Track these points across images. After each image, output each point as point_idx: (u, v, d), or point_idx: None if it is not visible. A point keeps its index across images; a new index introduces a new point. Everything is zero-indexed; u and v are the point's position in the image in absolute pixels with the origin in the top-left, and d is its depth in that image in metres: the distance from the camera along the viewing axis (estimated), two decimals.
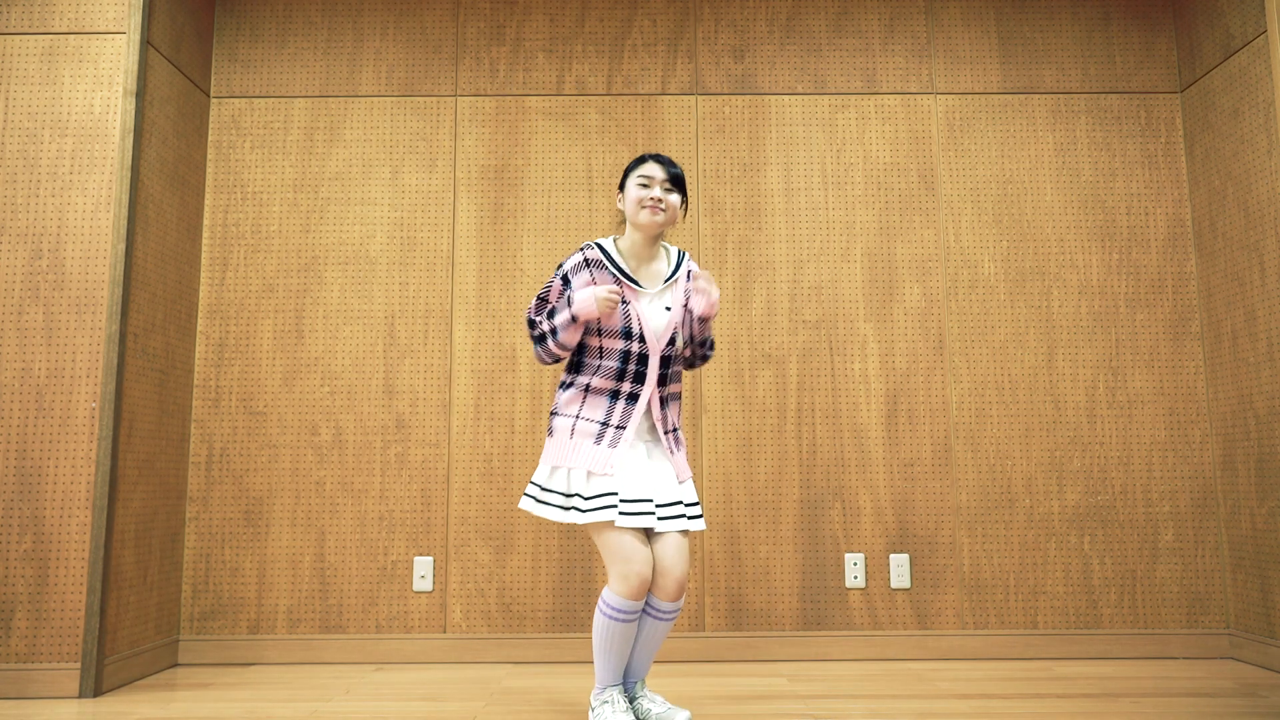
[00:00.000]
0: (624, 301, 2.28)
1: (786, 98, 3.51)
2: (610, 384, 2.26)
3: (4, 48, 3.01)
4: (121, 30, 3.02)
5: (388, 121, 3.50)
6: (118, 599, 2.87)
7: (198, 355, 3.37)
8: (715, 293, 2.29)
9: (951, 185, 3.46)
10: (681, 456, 2.34)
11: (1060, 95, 3.51)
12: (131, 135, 2.97)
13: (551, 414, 2.31)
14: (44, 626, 2.77)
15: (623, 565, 2.16)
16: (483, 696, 2.73)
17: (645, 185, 2.30)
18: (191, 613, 3.24)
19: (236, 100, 3.50)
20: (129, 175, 2.96)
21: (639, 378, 2.27)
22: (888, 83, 3.52)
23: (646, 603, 2.26)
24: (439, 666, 3.16)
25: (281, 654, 3.22)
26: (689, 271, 2.39)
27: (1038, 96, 3.51)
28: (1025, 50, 3.53)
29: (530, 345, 2.34)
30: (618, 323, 2.26)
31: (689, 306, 2.34)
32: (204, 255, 3.42)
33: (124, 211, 2.94)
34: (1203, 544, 3.28)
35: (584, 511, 2.17)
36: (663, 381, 2.31)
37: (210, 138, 3.48)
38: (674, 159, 3.45)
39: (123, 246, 2.92)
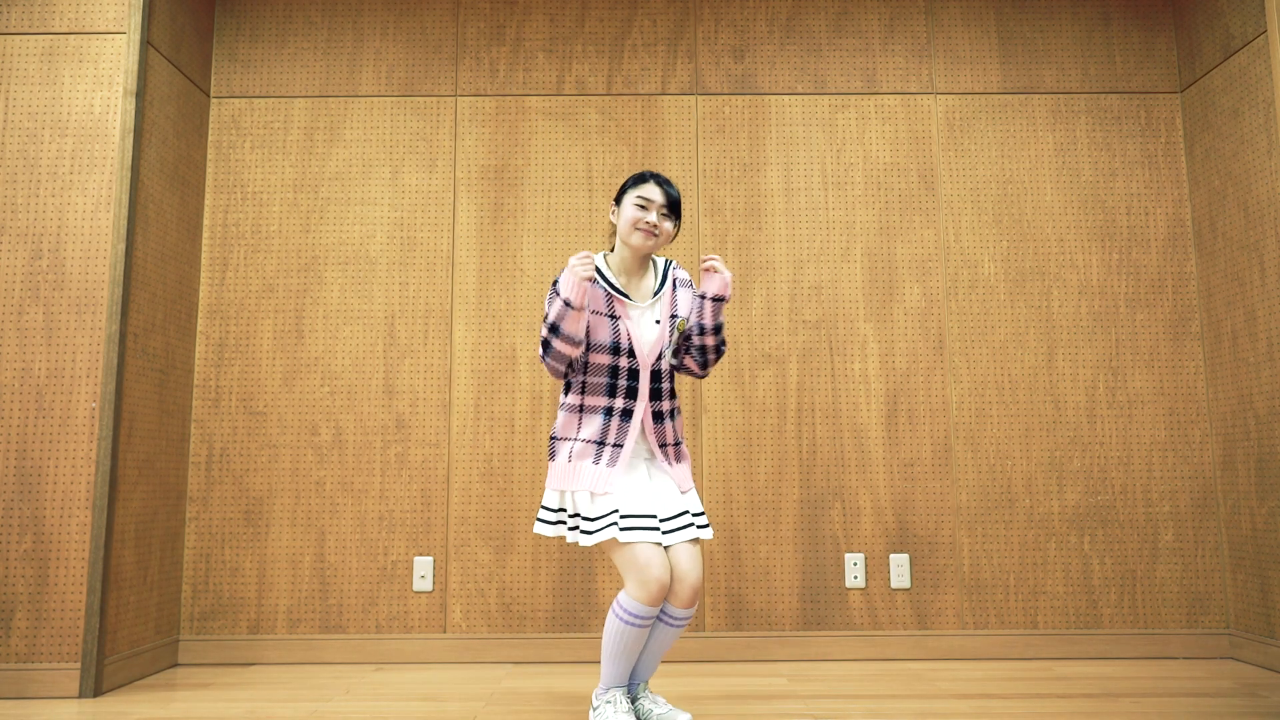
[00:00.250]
0: (614, 316, 2.26)
1: (786, 98, 3.51)
2: (602, 401, 2.25)
3: (4, 48, 3.01)
4: (121, 30, 3.02)
5: (388, 121, 3.50)
6: (118, 599, 2.87)
7: (198, 355, 3.37)
8: (728, 273, 2.29)
9: (951, 185, 3.46)
10: (683, 469, 2.33)
11: (1060, 95, 3.51)
12: (131, 135, 2.97)
13: (551, 438, 2.30)
14: (44, 626, 2.77)
15: (640, 573, 2.14)
16: (483, 696, 2.73)
17: (643, 207, 2.27)
18: (191, 613, 3.24)
19: (236, 100, 3.50)
20: (129, 175, 2.96)
21: (631, 393, 2.26)
22: (888, 83, 3.52)
23: (665, 613, 2.27)
24: (439, 666, 3.16)
25: (281, 654, 3.22)
26: (675, 280, 2.38)
27: (1038, 96, 3.51)
28: (1025, 50, 3.53)
29: (539, 355, 2.32)
30: (606, 338, 2.24)
31: (701, 291, 2.32)
32: (204, 255, 3.42)
33: (124, 211, 2.94)
34: (1203, 544, 3.28)
35: (589, 534, 2.18)
36: (656, 396, 2.29)
37: (210, 138, 3.48)
38: (675, 168, 3.46)
39: (123, 246, 2.92)
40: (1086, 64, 3.52)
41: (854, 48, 3.54)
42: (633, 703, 2.31)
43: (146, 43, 3.06)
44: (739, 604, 3.25)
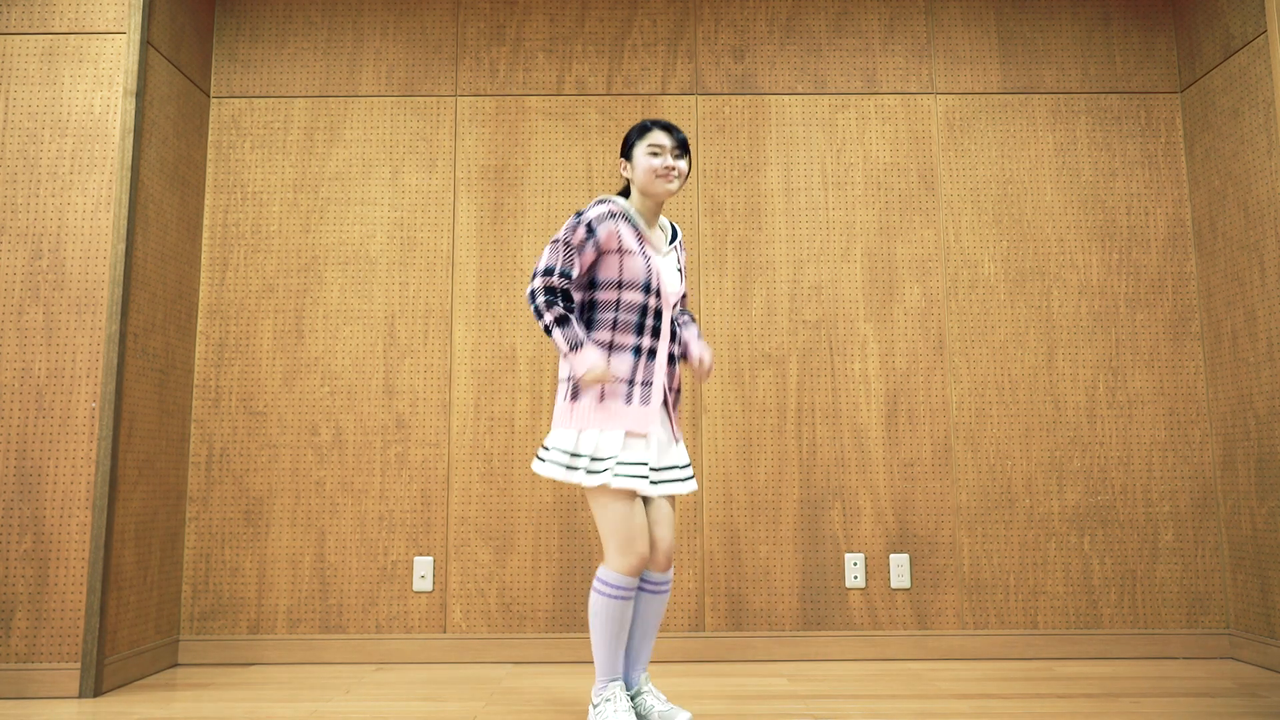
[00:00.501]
0: (646, 255, 2.29)
1: (786, 98, 3.51)
2: (631, 339, 2.26)
3: (4, 48, 3.01)
4: (121, 30, 3.02)
5: (388, 121, 3.50)
6: (118, 599, 2.87)
7: (198, 355, 3.37)
8: (708, 358, 2.40)
9: (951, 185, 3.46)
10: (677, 415, 2.40)
11: (1060, 95, 3.51)
12: (131, 135, 2.97)
13: (568, 378, 2.25)
14: (44, 626, 2.77)
15: (624, 538, 2.16)
16: (483, 696, 2.73)
17: (657, 154, 2.32)
18: (191, 613, 3.24)
19: (236, 100, 3.50)
20: (129, 175, 2.96)
21: (655, 332, 2.29)
22: (888, 83, 3.52)
23: (648, 580, 2.30)
24: (439, 666, 3.16)
25: (281, 654, 3.22)
26: (680, 238, 2.50)
27: (1038, 96, 3.51)
28: (1025, 50, 3.53)
29: (534, 304, 2.26)
30: (639, 275, 2.26)
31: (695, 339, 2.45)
32: (204, 255, 3.42)
33: (124, 211, 2.94)
34: (1203, 544, 3.28)
35: (595, 474, 2.16)
36: (671, 337, 2.36)
37: (210, 138, 3.48)
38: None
39: (123, 246, 2.92)
40: (1086, 64, 3.52)
41: (854, 48, 3.54)
42: (633, 698, 2.30)
43: (146, 43, 3.06)
44: (739, 604, 3.25)
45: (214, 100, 3.50)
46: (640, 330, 2.27)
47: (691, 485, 2.32)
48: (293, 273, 3.42)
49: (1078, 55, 3.53)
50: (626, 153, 2.38)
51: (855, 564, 3.26)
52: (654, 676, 2.97)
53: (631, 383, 2.23)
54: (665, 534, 2.27)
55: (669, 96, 3.51)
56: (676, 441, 2.35)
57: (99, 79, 3.00)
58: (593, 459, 2.19)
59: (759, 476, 3.31)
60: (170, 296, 3.20)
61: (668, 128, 2.34)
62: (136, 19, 3.02)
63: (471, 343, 3.38)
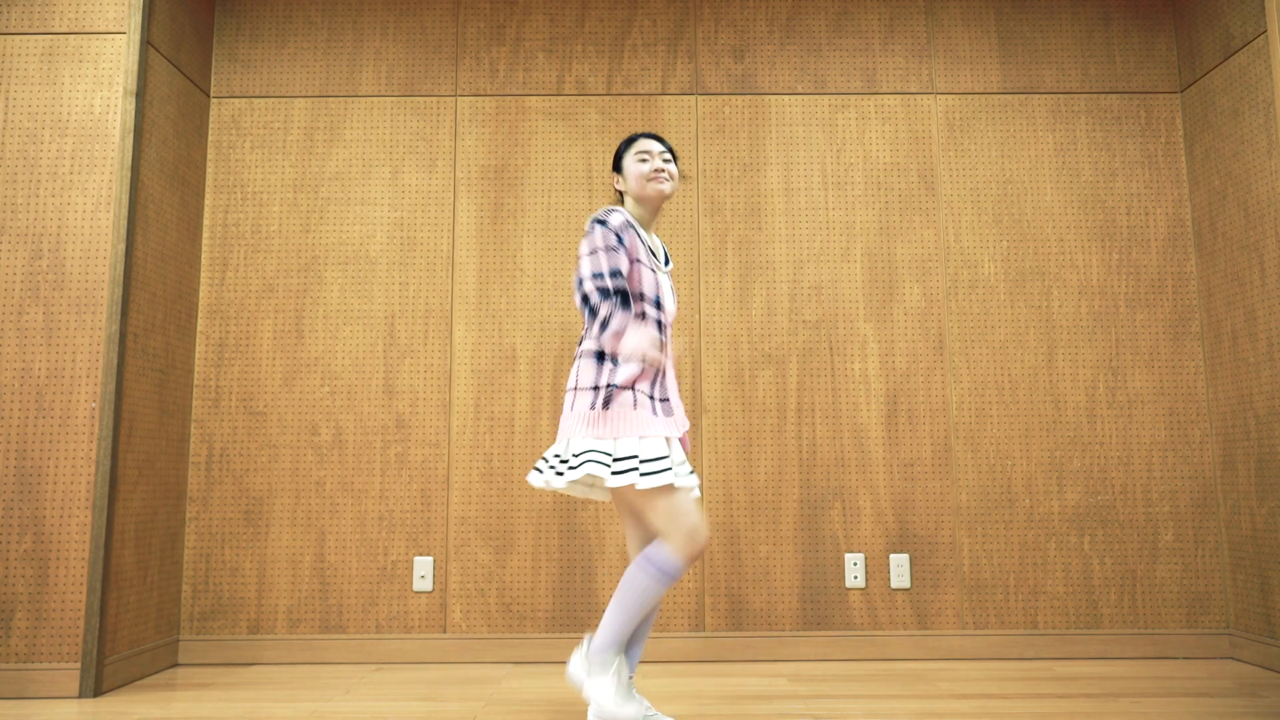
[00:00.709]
0: (653, 269, 2.30)
1: (786, 98, 3.51)
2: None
3: (4, 48, 3.01)
4: (121, 30, 3.02)
5: (388, 121, 3.50)
6: (118, 599, 2.87)
7: (198, 355, 3.37)
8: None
9: (951, 185, 3.46)
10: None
11: (1060, 95, 3.51)
12: (131, 135, 2.97)
13: (607, 385, 2.21)
14: (44, 626, 2.77)
15: (690, 524, 2.15)
16: (483, 696, 2.73)
17: (645, 159, 2.34)
18: (191, 613, 3.24)
19: (236, 100, 3.50)
20: (129, 175, 2.96)
21: (662, 348, 2.30)
22: (888, 83, 3.52)
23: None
24: (439, 666, 3.16)
25: (281, 654, 3.22)
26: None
27: (1038, 96, 3.51)
28: (1025, 50, 3.53)
29: (590, 297, 2.21)
30: (651, 289, 2.27)
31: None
32: (204, 255, 3.43)
33: (124, 211, 2.94)
34: (1203, 544, 3.28)
35: (653, 474, 2.14)
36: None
37: (210, 138, 3.48)
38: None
39: (123, 246, 2.92)
40: (1086, 64, 3.52)
41: (854, 48, 3.54)
42: None
43: (146, 43, 3.06)
44: (739, 604, 3.25)
45: (214, 100, 3.50)
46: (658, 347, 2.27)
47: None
48: (293, 273, 3.42)
49: (1078, 55, 3.53)
50: (617, 166, 2.40)
51: (855, 564, 3.26)
52: (654, 676, 2.97)
53: (653, 398, 2.23)
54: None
55: (669, 96, 3.51)
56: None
57: (99, 79, 3.00)
58: (642, 460, 2.15)
59: (759, 476, 3.31)
60: (170, 296, 3.20)
61: (653, 136, 2.39)
62: (136, 19, 3.02)
63: (471, 343, 3.38)
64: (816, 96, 3.51)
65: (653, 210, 2.38)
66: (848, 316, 3.39)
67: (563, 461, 2.23)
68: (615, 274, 2.17)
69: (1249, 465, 3.14)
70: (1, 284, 2.90)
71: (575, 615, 3.25)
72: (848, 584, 3.25)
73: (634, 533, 2.36)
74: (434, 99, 3.51)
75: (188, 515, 3.29)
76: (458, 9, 3.56)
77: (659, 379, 2.26)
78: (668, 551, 2.17)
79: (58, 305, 2.90)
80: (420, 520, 3.30)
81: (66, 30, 3.02)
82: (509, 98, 3.51)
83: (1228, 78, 3.25)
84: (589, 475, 2.30)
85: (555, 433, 3.33)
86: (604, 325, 2.16)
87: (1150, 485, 3.31)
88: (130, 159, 2.96)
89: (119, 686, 2.87)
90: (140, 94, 3.02)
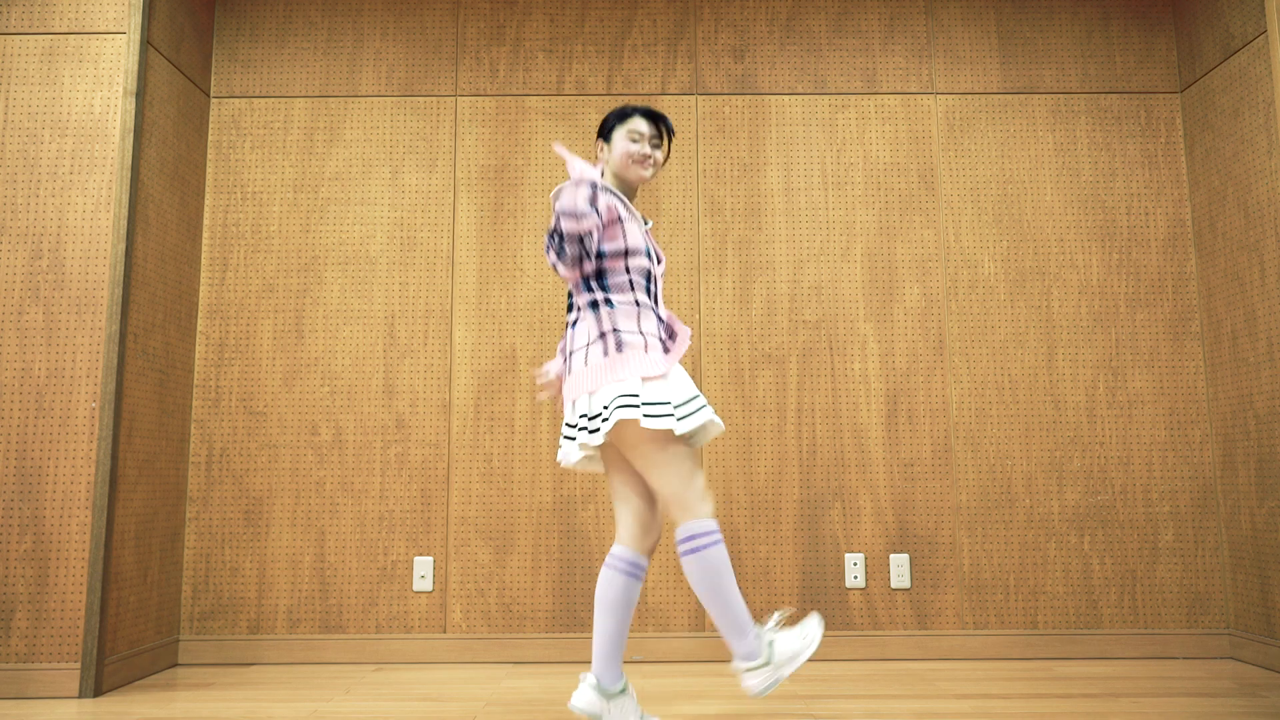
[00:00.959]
0: (639, 223, 2.29)
1: (786, 98, 3.51)
2: (648, 300, 2.24)
3: (4, 48, 3.01)
4: (121, 30, 3.02)
5: (388, 121, 3.50)
6: (118, 599, 2.87)
7: (198, 355, 3.37)
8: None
9: (951, 185, 3.46)
10: None
11: (1060, 95, 3.51)
12: (131, 135, 2.97)
13: (613, 331, 2.16)
14: (44, 626, 2.77)
15: (700, 484, 2.12)
16: (483, 696, 2.73)
17: (636, 140, 2.30)
18: (191, 613, 3.24)
19: (236, 100, 3.50)
20: (129, 175, 2.96)
21: (656, 301, 2.28)
22: (888, 83, 3.52)
23: (637, 565, 2.21)
24: (439, 666, 3.16)
25: (281, 654, 3.22)
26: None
27: (1038, 96, 3.51)
28: (1025, 50, 3.53)
29: (551, 260, 2.17)
30: (640, 242, 2.25)
31: None
32: (204, 255, 3.43)
33: (124, 211, 2.94)
34: (1203, 544, 3.28)
35: (690, 416, 2.11)
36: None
37: (210, 138, 3.48)
38: (676, 167, 3.46)
39: (123, 246, 2.92)
40: (1086, 64, 3.52)
41: (854, 48, 3.54)
42: (622, 692, 2.22)
43: (146, 43, 3.06)
44: None
45: (214, 100, 3.50)
46: (649, 294, 2.24)
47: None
48: (293, 273, 3.42)
49: (1077, 55, 3.53)
50: (605, 134, 2.34)
51: (855, 564, 3.26)
52: (654, 676, 2.97)
53: (661, 339, 2.22)
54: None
55: (669, 96, 3.51)
56: None
57: (99, 79, 3.00)
58: (676, 405, 2.10)
59: (759, 476, 3.31)
60: (170, 296, 3.20)
61: (650, 114, 2.32)
62: (136, 19, 3.02)
63: (471, 343, 3.38)
64: (816, 96, 3.51)
65: (631, 188, 2.36)
66: (848, 316, 3.39)
67: (587, 418, 2.12)
68: (585, 214, 2.06)
69: (1249, 465, 3.14)
70: (1, 284, 2.90)
71: (575, 615, 3.25)
72: (848, 584, 3.25)
73: (629, 505, 2.24)
74: (434, 99, 3.51)
75: (188, 515, 3.29)
76: (458, 9, 3.56)
77: (658, 324, 2.25)
78: (693, 521, 2.09)
79: (58, 305, 2.90)
80: (420, 520, 3.29)
81: (66, 30, 3.02)
82: (509, 98, 3.51)
83: (1228, 78, 3.25)
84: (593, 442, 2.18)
85: (555, 433, 3.33)
86: (557, 232, 2.08)
87: (1150, 485, 3.31)
88: (130, 159, 2.96)
89: (119, 686, 2.87)
90: (140, 94, 3.02)
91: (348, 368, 3.37)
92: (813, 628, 2.14)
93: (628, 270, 2.23)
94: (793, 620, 3.23)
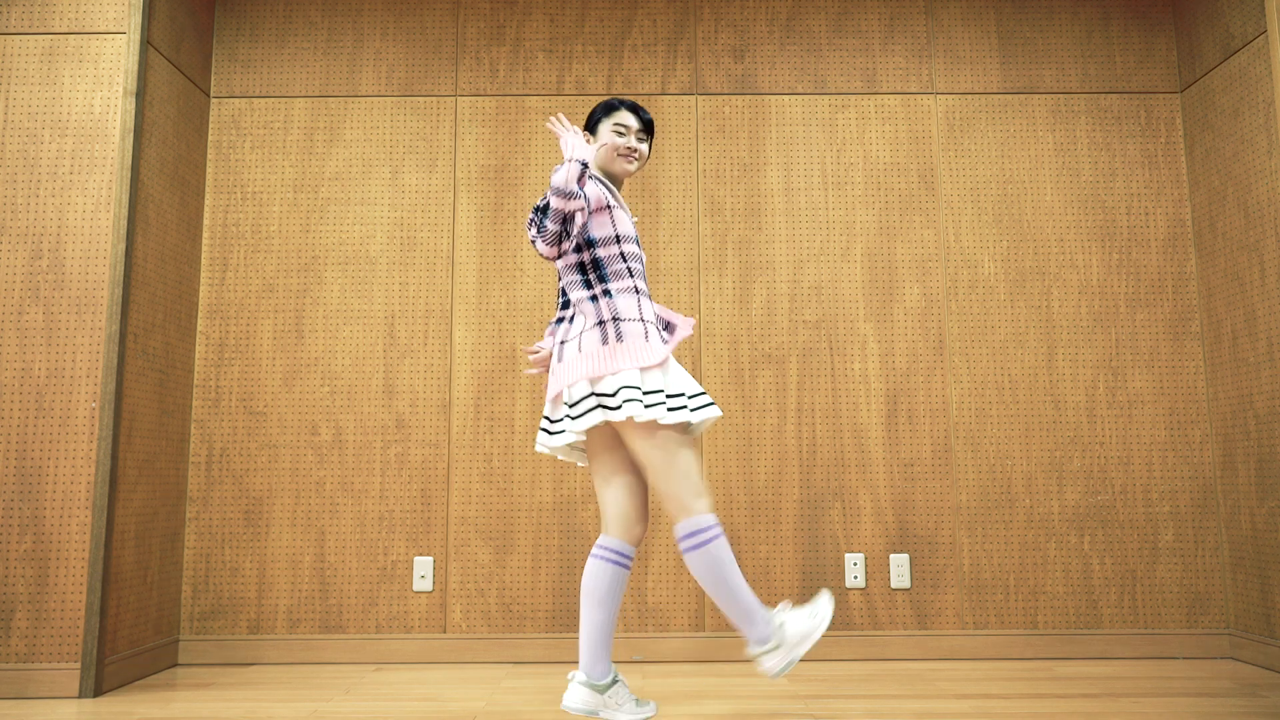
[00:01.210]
0: (626, 212, 2.30)
1: (786, 98, 3.51)
2: (645, 286, 2.26)
3: (4, 48, 3.01)
4: (121, 30, 3.02)
5: (388, 121, 3.50)
6: (118, 599, 2.87)
7: (198, 355, 3.37)
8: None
9: (951, 185, 3.46)
10: None
11: (1060, 95, 3.51)
12: (131, 135, 2.97)
13: (613, 320, 2.16)
14: (44, 626, 2.77)
15: (697, 480, 2.12)
16: (483, 696, 2.73)
17: (621, 133, 2.31)
18: (191, 613, 3.24)
19: (236, 100, 3.50)
20: (129, 175, 2.96)
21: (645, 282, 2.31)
22: (888, 83, 3.52)
23: (625, 555, 2.20)
24: (439, 666, 3.16)
25: (281, 654, 3.22)
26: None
27: (1038, 96, 3.51)
28: (1025, 50, 3.53)
29: (530, 236, 2.17)
30: (630, 229, 2.26)
31: None
32: (204, 255, 3.43)
33: (124, 211, 2.94)
34: (1203, 544, 3.28)
35: (700, 408, 2.12)
36: None
37: (210, 138, 3.48)
38: (675, 167, 3.46)
39: (123, 246, 2.92)
40: (1086, 64, 3.52)
41: (854, 48, 3.54)
42: (613, 683, 2.20)
43: (146, 43, 3.06)
44: None
45: (214, 100, 3.50)
46: (641, 278, 2.26)
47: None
48: (293, 273, 3.42)
49: (1077, 55, 3.53)
50: (591, 128, 2.37)
51: (855, 564, 3.26)
52: (654, 676, 2.97)
53: (658, 326, 2.24)
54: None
55: (669, 96, 3.51)
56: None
57: (99, 79, 3.00)
58: (669, 395, 2.10)
59: (759, 476, 3.31)
60: (170, 296, 3.20)
61: (635, 109, 2.34)
62: (136, 19, 3.02)
63: (471, 343, 3.38)
64: (816, 96, 3.51)
65: (616, 182, 2.36)
66: (848, 316, 3.40)
67: (572, 405, 2.12)
68: (573, 194, 2.08)
69: (1249, 465, 3.14)
70: (1, 284, 2.90)
71: (575, 615, 3.25)
72: (848, 584, 3.25)
73: (619, 493, 2.22)
74: (434, 99, 3.51)
75: (188, 515, 3.29)
76: (458, 9, 3.56)
77: (655, 311, 2.27)
78: (690, 519, 2.10)
79: (58, 305, 2.90)
80: (420, 520, 3.30)
81: (66, 30, 3.02)
82: (509, 98, 3.51)
83: (1228, 78, 3.25)
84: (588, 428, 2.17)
85: None
86: (544, 209, 2.12)
87: (1150, 485, 3.31)
88: (130, 159, 2.96)
89: (119, 686, 2.87)
90: (140, 94, 3.02)
91: (348, 368, 3.37)
92: (823, 605, 2.15)
93: (623, 258, 2.23)
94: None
